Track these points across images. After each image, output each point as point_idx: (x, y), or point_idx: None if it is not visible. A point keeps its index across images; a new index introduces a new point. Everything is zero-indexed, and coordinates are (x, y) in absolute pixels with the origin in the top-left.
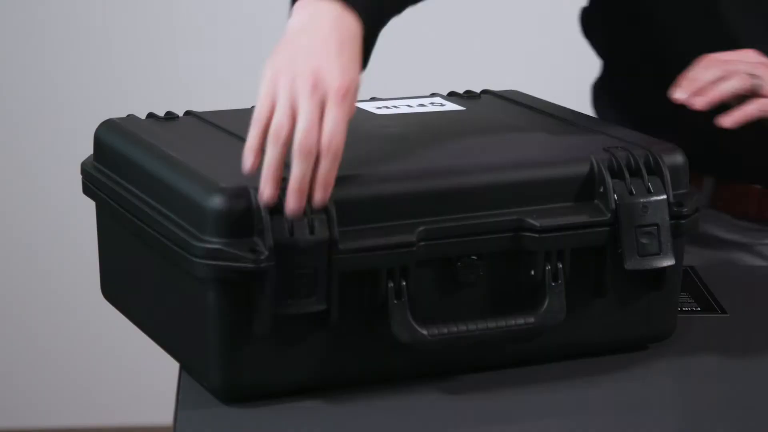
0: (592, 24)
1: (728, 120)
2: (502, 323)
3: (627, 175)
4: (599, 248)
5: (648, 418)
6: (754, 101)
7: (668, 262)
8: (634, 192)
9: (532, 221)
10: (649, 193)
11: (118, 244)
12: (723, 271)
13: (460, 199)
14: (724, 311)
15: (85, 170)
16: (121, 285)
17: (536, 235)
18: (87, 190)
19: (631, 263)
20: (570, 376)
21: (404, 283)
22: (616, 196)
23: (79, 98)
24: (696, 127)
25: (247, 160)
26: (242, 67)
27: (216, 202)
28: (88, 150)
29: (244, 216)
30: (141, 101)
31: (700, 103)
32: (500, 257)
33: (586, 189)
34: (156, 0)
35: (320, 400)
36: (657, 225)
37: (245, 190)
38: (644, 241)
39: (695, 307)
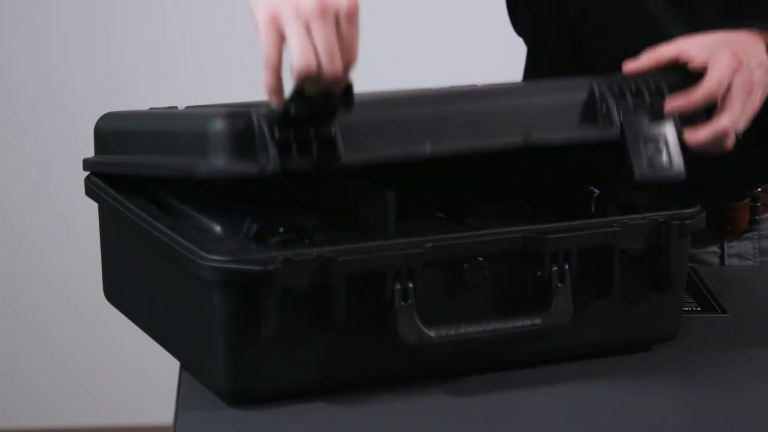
0: (520, 18)
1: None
2: (509, 324)
3: (629, 96)
4: (605, 248)
5: (654, 418)
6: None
7: (679, 173)
8: (637, 107)
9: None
10: (654, 108)
11: (122, 246)
12: (718, 269)
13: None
14: (724, 311)
15: (88, 168)
16: (124, 287)
17: (542, 236)
18: (89, 192)
19: (641, 173)
20: (576, 377)
21: (411, 285)
22: (621, 113)
23: (80, 99)
24: None
25: (274, 101)
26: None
27: (218, 123)
28: (89, 151)
29: (247, 134)
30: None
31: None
32: (507, 258)
33: (590, 110)
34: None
35: (325, 401)
36: (665, 138)
37: (248, 114)
38: (652, 153)
39: (696, 307)
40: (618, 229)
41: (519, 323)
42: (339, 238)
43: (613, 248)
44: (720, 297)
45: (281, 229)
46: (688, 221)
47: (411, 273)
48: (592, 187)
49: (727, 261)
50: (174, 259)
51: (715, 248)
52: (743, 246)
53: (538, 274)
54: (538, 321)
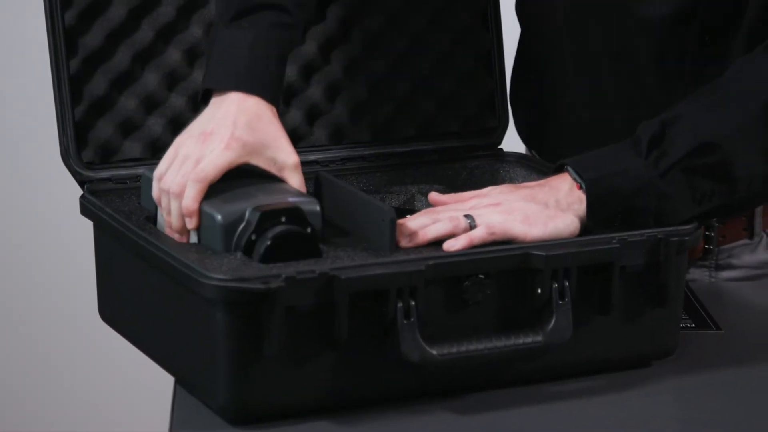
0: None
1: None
2: (510, 342)
3: None
4: (605, 265)
5: None
6: (481, 226)
7: None
8: None
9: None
10: None
11: (119, 265)
12: (718, 285)
13: None
14: (719, 327)
15: (84, 188)
16: (122, 307)
17: (543, 253)
18: (85, 211)
19: None
20: (576, 394)
21: (413, 303)
22: None
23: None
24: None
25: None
26: None
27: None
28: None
29: None
30: None
31: (409, 245)
32: (507, 276)
33: None
34: None
35: (327, 420)
36: None
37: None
38: None
39: (690, 324)
40: (618, 246)
41: (520, 340)
42: (341, 255)
43: (613, 265)
44: (714, 314)
45: (283, 218)
46: (686, 238)
47: (413, 291)
48: None
49: None
50: (175, 278)
51: None
52: (700, 273)
53: (539, 291)
54: (538, 338)
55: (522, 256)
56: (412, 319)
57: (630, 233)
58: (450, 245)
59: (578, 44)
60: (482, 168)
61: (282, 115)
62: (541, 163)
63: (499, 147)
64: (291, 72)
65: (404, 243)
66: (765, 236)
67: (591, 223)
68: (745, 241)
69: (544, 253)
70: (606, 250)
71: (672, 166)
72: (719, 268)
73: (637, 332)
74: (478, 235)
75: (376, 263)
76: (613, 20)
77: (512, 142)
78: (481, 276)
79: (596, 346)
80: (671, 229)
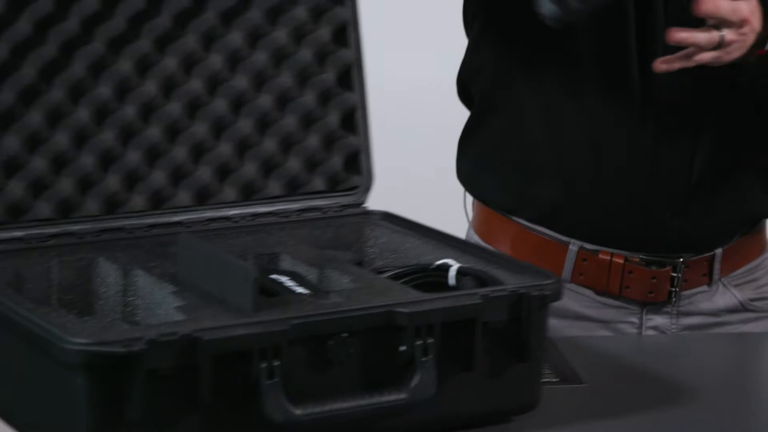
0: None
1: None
2: (374, 400)
3: None
4: (468, 321)
5: None
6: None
7: None
8: None
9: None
10: None
11: None
12: (576, 341)
13: None
14: (581, 381)
15: None
16: None
17: (406, 311)
18: None
19: None
20: None
21: (277, 363)
22: None
23: None
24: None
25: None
26: None
27: None
28: None
29: None
30: None
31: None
32: (371, 333)
33: None
34: None
35: None
36: None
37: None
38: None
39: (554, 378)
40: (480, 301)
41: (384, 399)
42: (204, 316)
43: (475, 321)
44: (578, 367)
45: None
46: (547, 293)
47: (276, 351)
48: (449, 261)
49: (644, 333)
50: (35, 343)
51: (633, 319)
52: (661, 320)
53: (403, 348)
54: (402, 396)
55: (386, 314)
56: (275, 380)
57: (492, 288)
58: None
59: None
60: (348, 227)
61: (144, 178)
62: (404, 221)
63: (364, 205)
64: (155, 133)
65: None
66: (721, 285)
67: None
68: (704, 288)
69: (407, 311)
70: (469, 306)
71: None
72: (680, 314)
73: (500, 387)
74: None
75: (239, 324)
76: None
77: (376, 199)
78: (344, 335)
79: (460, 402)
80: (532, 284)
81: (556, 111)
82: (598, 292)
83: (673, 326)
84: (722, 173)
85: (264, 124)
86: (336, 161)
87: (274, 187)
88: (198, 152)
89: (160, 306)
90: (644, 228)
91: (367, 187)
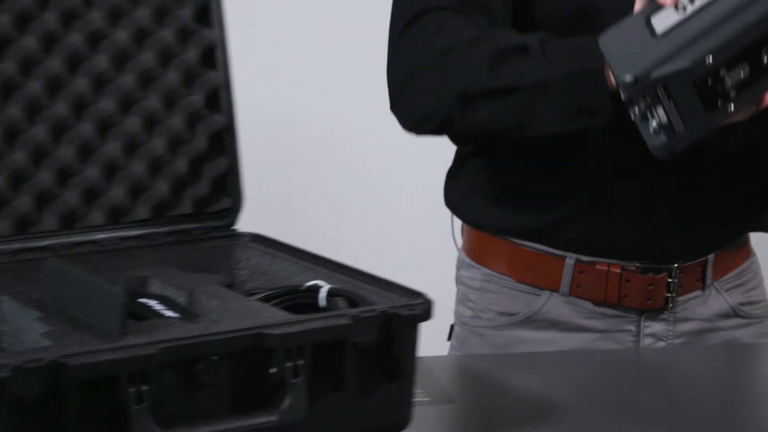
0: None
1: None
2: (245, 422)
3: None
4: (338, 342)
5: None
6: None
7: None
8: None
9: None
10: None
11: None
12: (449, 360)
13: None
14: (452, 401)
15: None
16: None
17: (276, 333)
18: None
19: None
20: None
21: (146, 388)
22: None
23: None
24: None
25: None
26: None
27: None
28: None
29: None
30: None
31: None
32: (241, 356)
33: None
34: None
35: None
36: None
37: None
38: None
39: (425, 398)
40: (350, 322)
41: (254, 421)
42: (70, 342)
43: (346, 342)
44: (450, 387)
45: None
46: (417, 312)
47: (145, 375)
48: (319, 282)
49: (642, 341)
50: None
51: (631, 327)
52: (658, 327)
53: (273, 370)
54: (273, 418)
55: (255, 336)
56: (144, 404)
57: (361, 309)
58: None
59: None
60: (218, 249)
61: (9, 202)
62: (275, 243)
63: (233, 228)
64: (20, 157)
65: None
66: (714, 289)
67: None
68: (698, 293)
69: (277, 333)
70: (339, 327)
71: None
72: (677, 321)
73: (371, 407)
74: None
75: (106, 348)
76: None
77: (246, 221)
78: (214, 358)
79: (331, 422)
80: (402, 304)
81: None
82: (596, 303)
83: (670, 333)
84: (722, 185)
85: (132, 147)
86: (204, 184)
87: (142, 210)
88: (64, 176)
89: (26, 332)
90: (642, 238)
91: (236, 209)
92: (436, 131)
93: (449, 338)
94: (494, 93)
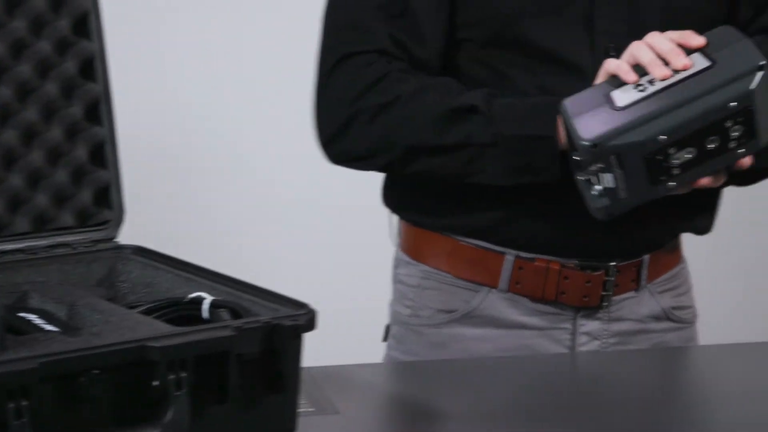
0: None
1: None
2: None
3: None
4: (222, 353)
5: None
6: None
7: None
8: None
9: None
10: None
11: None
12: (333, 370)
13: None
14: (337, 411)
15: None
16: None
17: (158, 345)
18: None
19: None
20: None
21: (25, 403)
22: None
23: None
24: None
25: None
26: None
27: None
28: None
29: None
30: None
31: None
32: (123, 370)
33: None
34: None
35: None
36: None
37: None
38: None
39: (310, 408)
40: (233, 333)
41: None
42: None
43: (229, 353)
44: (334, 397)
45: None
46: (301, 323)
47: (25, 390)
48: (202, 294)
49: (577, 339)
50: None
51: (567, 325)
52: (594, 325)
53: (155, 383)
54: (156, 431)
55: (137, 349)
56: (24, 419)
57: (245, 320)
58: None
59: None
60: (99, 262)
61: None
62: (158, 255)
63: (115, 240)
64: None
65: None
66: (647, 291)
67: None
68: (632, 293)
69: (159, 345)
70: (222, 338)
71: None
72: (611, 320)
73: (255, 419)
74: None
75: None
76: None
77: (128, 234)
78: (95, 371)
79: None
80: (284, 315)
81: None
82: (534, 300)
83: (605, 332)
84: None
85: (10, 160)
86: (85, 196)
87: (22, 223)
88: None
89: None
90: (581, 236)
91: (118, 221)
92: (375, 170)
93: (385, 339)
94: (442, 150)
